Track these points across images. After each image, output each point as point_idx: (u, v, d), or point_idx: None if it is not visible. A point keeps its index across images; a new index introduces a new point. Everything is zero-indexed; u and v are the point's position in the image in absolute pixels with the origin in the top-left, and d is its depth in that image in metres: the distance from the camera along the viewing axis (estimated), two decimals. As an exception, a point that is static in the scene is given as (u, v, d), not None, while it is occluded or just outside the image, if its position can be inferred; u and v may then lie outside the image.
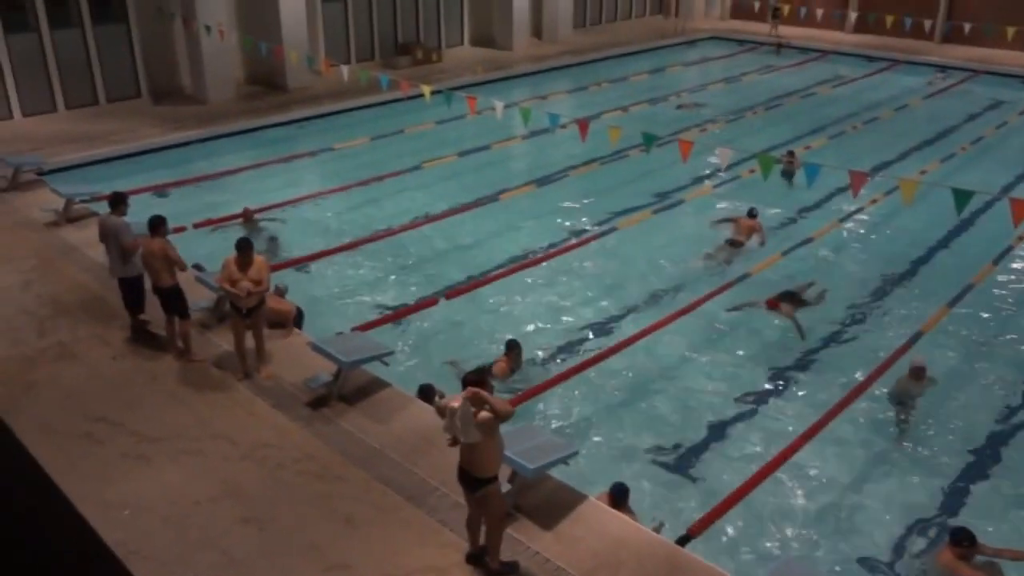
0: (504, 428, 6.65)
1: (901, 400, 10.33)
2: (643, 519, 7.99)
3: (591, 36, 32.69)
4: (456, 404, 6.39)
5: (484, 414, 6.35)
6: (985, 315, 12.76)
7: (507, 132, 20.37)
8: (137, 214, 10.79)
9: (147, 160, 18.08)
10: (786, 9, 34.08)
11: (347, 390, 9.35)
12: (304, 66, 21.47)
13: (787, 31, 34.23)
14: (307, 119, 21.21)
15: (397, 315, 12.13)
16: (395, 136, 20.25)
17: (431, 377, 10.04)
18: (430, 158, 18.66)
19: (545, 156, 19.63)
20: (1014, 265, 14.50)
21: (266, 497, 7.88)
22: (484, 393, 6.42)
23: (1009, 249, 14.65)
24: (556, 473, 8.12)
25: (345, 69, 17.67)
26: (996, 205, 14.88)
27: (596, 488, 8.35)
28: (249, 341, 9.60)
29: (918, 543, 8.35)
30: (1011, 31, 28.62)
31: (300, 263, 13.58)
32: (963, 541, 7.44)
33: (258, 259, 9.35)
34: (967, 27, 30.56)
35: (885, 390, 10.51)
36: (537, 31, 31.32)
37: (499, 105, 14.70)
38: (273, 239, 14.35)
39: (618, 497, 8.05)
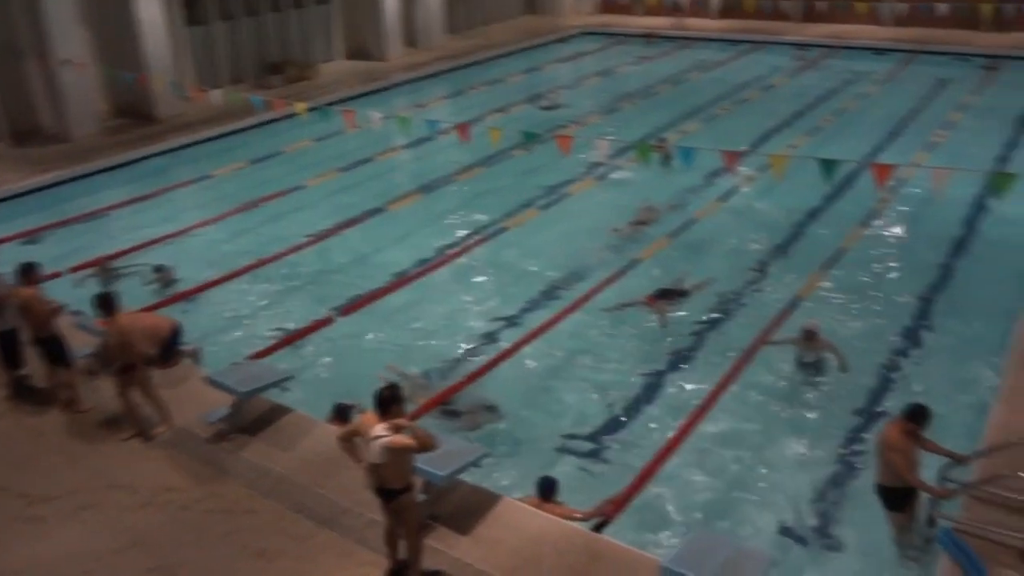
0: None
1: (802, 363, 10.80)
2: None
3: (465, 40, 32.83)
4: (380, 437, 6.41)
5: (403, 441, 6.38)
6: (857, 274, 13.46)
7: (388, 143, 20.28)
8: (8, 264, 10.28)
9: (13, 206, 17.18)
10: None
11: (247, 421, 9.14)
12: (173, 93, 20.85)
13: (654, 21, 35.21)
14: (182, 147, 20.58)
15: (293, 338, 11.92)
16: (274, 157, 19.89)
17: (335, 396, 9.91)
18: (313, 176, 18.40)
19: (429, 163, 19.62)
20: (879, 223, 15.37)
21: (173, 542, 7.64)
22: (406, 424, 6.47)
23: (875, 211, 15.49)
24: (470, 477, 8.16)
25: (216, 93, 17.25)
26: (860, 171, 15.69)
27: (515, 486, 8.46)
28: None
29: (823, 501, 8.72)
30: (863, 6, 30.16)
31: (188, 296, 13.19)
32: (915, 417, 7.64)
33: (126, 318, 8.94)
34: (823, 5, 32.09)
35: (780, 355, 10.96)
36: (411, 39, 31.22)
37: (376, 116, 14.65)
38: (160, 271, 13.76)
39: (546, 491, 8.15)
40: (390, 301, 13.03)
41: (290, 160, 19.75)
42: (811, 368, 10.80)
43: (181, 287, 13.45)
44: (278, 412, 9.40)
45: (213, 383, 9.15)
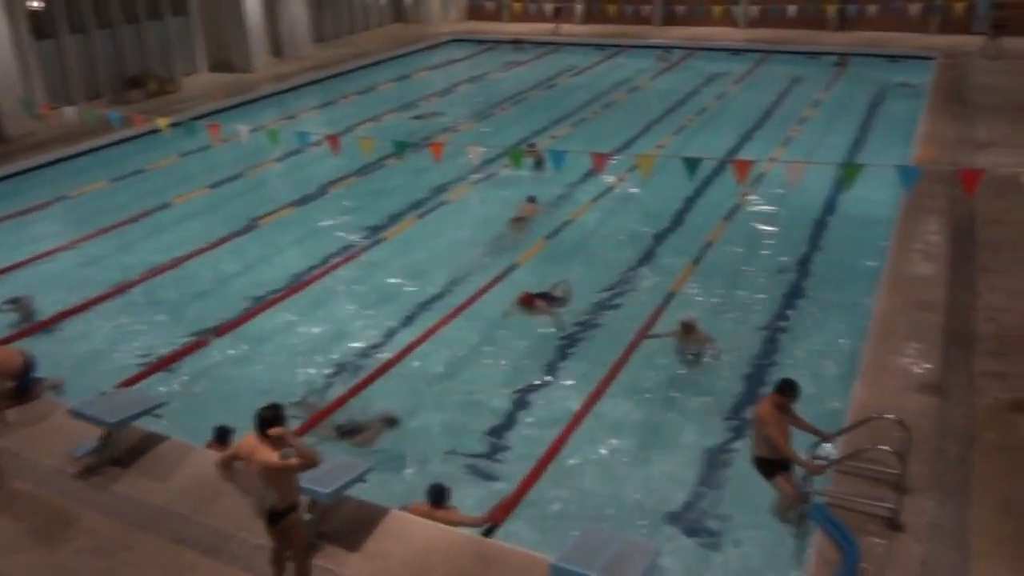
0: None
1: (682, 355, 11.16)
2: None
3: (333, 49, 32.40)
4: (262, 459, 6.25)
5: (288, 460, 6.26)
6: (726, 265, 14.02)
7: (259, 157, 19.77)
8: None
9: None
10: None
11: (119, 452, 8.73)
12: (22, 112, 19.71)
13: (520, 28, 35.69)
14: (35, 168, 19.48)
15: (166, 362, 11.45)
16: (137, 175, 19.07)
17: (214, 419, 9.56)
18: (180, 193, 17.74)
19: (301, 176, 19.25)
20: (743, 216, 16.04)
21: (44, 587, 7.22)
22: (290, 438, 6.34)
23: (737, 206, 16.17)
24: (355, 492, 8.04)
25: (70, 110, 16.42)
26: (723, 168, 16.34)
27: (405, 496, 8.39)
28: None
29: (707, 487, 9.01)
30: (718, 10, 31.43)
31: (49, 325, 12.48)
32: (785, 391, 8.02)
33: None
34: (681, 9, 33.28)
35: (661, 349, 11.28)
36: (276, 49, 30.60)
37: (244, 130, 14.27)
38: (16, 302, 12.95)
39: (436, 498, 8.11)
40: (267, 318, 12.70)
41: (154, 178, 18.98)
42: (691, 358, 11.18)
43: (42, 316, 12.71)
44: (152, 441, 9.01)
45: (78, 415, 8.67)
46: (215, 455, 7.74)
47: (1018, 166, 16.15)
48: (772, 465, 8.19)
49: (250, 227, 16.04)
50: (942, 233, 13.85)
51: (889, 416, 8.16)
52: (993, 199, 14.88)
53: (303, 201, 17.53)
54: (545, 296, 12.57)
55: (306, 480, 7.11)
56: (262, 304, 13.04)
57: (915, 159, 17.45)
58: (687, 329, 11.13)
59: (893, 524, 7.53)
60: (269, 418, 6.42)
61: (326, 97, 26.46)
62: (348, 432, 9.86)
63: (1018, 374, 9.82)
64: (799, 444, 8.20)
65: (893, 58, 28.75)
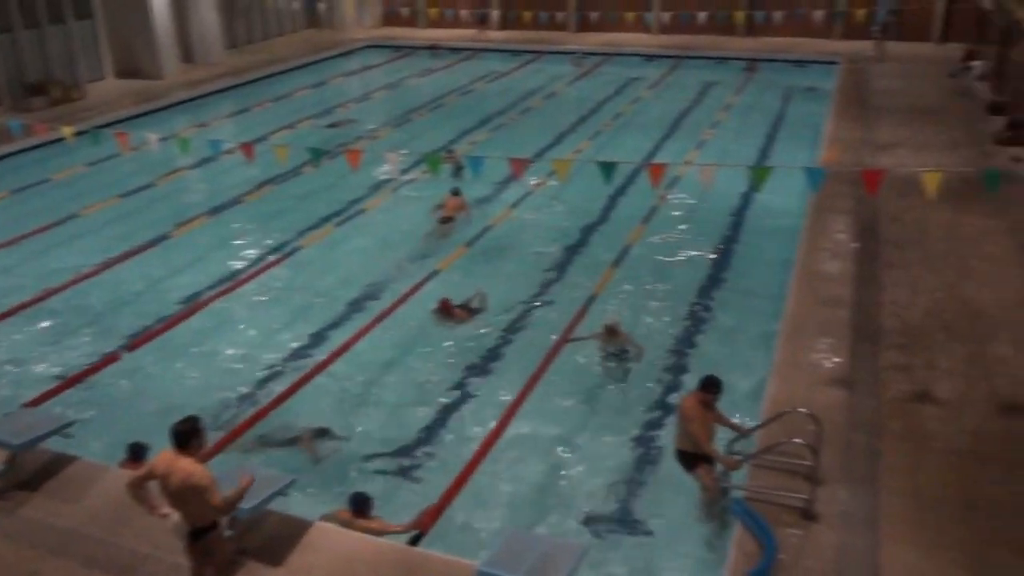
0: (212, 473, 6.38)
1: (606, 357, 11.30)
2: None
3: (247, 56, 31.81)
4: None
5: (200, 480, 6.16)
6: (645, 267, 14.27)
7: (170, 165, 19.28)
8: None
9: None
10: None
11: (26, 475, 8.38)
12: (-87, 121, 18.77)
13: (437, 34, 35.72)
14: (-73, 180, 18.61)
15: (76, 379, 11.05)
16: (41, 186, 18.37)
17: (128, 435, 9.27)
18: (88, 204, 17.16)
19: (216, 184, 18.84)
20: (660, 219, 16.32)
21: (-55, 618, 6.89)
22: (206, 486, 6.20)
23: (655, 209, 16.48)
24: (277, 506, 7.91)
25: (-35, 120, 15.75)
26: (639, 171, 16.64)
27: (327, 506, 8.30)
28: None
29: (632, 485, 9.13)
30: (630, 16, 31.99)
31: (-53, 344, 11.94)
32: (709, 388, 8.19)
33: None
34: (595, 15, 33.75)
35: (581, 352, 11.40)
36: (187, 55, 29.87)
37: (153, 138, 13.89)
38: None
39: (358, 508, 8.02)
40: (183, 331, 12.38)
41: (60, 188, 18.33)
42: (615, 360, 11.32)
43: (-62, 335, 12.15)
44: (61, 462, 8.67)
45: (-20, 438, 8.31)
46: (128, 474, 7.51)
47: (918, 166, 16.87)
48: (693, 458, 8.37)
49: (163, 238, 15.62)
50: (848, 232, 14.37)
51: (801, 410, 8.42)
52: (895, 198, 15.52)
53: (217, 210, 17.15)
54: (462, 307, 12.60)
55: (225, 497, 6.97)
56: (177, 316, 12.71)
57: (821, 160, 18.08)
58: (610, 332, 11.31)
59: (808, 514, 7.78)
60: (186, 432, 6.28)
61: (240, 104, 25.97)
62: (278, 443, 9.70)
63: (920, 366, 10.26)
64: (719, 439, 8.41)
65: (799, 63, 29.71)
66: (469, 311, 12.57)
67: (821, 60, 29.35)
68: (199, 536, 6.43)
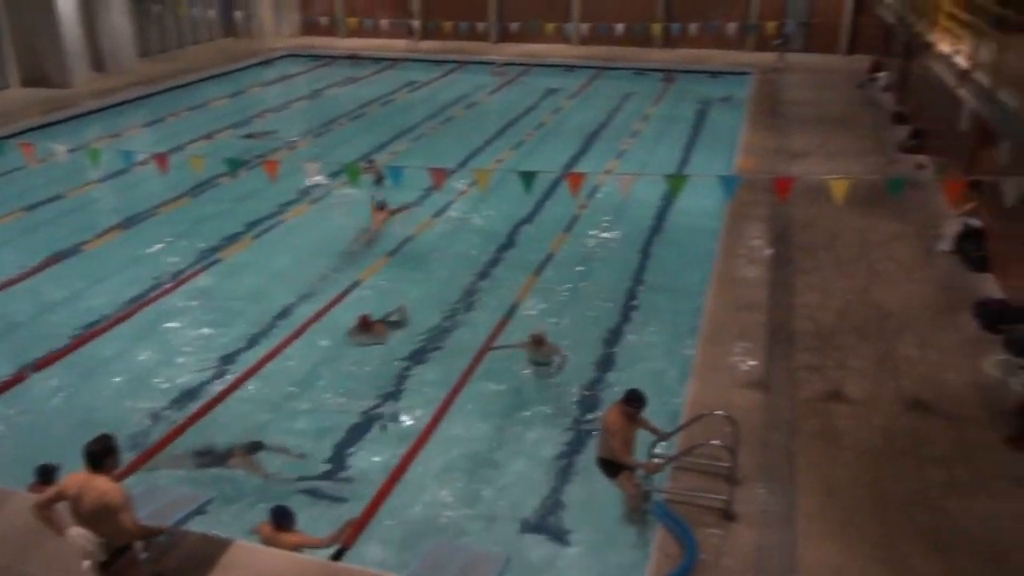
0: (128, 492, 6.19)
1: (533, 365, 11.36)
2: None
3: (161, 64, 31.04)
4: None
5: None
6: (565, 276, 14.37)
7: (80, 177, 18.66)
8: None
9: None
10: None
11: (-76, 502, 8.00)
12: None
13: (357, 43, 35.53)
14: None
15: (-21, 401, 10.59)
16: (-60, 199, 17.60)
17: (36, 457, 8.90)
18: (-10, 218, 16.51)
19: (129, 197, 18.29)
20: (582, 227, 16.49)
21: None
22: (120, 506, 6.04)
23: (576, 217, 16.66)
24: (197, 525, 7.72)
25: None
26: (560, 181, 16.78)
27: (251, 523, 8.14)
28: None
29: (556, 492, 9.16)
30: (551, 27, 32.31)
31: None
32: (632, 402, 8.24)
33: None
34: (515, 26, 34.04)
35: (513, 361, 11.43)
36: (98, 64, 28.97)
37: (61, 149, 13.41)
38: None
39: (279, 522, 7.86)
40: (94, 349, 11.97)
41: (-41, 202, 17.57)
42: (542, 368, 11.37)
43: None
44: (-36, 487, 8.30)
45: None
46: (36, 498, 7.21)
47: (828, 173, 17.44)
48: (615, 466, 8.47)
49: (73, 252, 15.09)
50: (763, 238, 14.76)
51: (719, 412, 8.60)
52: (808, 205, 16.01)
53: (130, 223, 16.66)
54: (382, 321, 12.47)
55: (141, 515, 6.77)
56: (88, 333, 12.29)
57: (736, 168, 18.54)
58: (536, 341, 11.37)
59: (727, 514, 7.95)
60: (100, 451, 6.09)
61: (154, 114, 25.29)
62: (210, 460, 9.47)
63: (832, 366, 10.60)
64: (642, 442, 8.52)
65: (715, 74, 30.44)
66: (389, 325, 12.46)
67: (735, 71, 30.14)
68: (113, 559, 6.22)
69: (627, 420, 8.32)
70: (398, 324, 12.55)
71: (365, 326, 12.18)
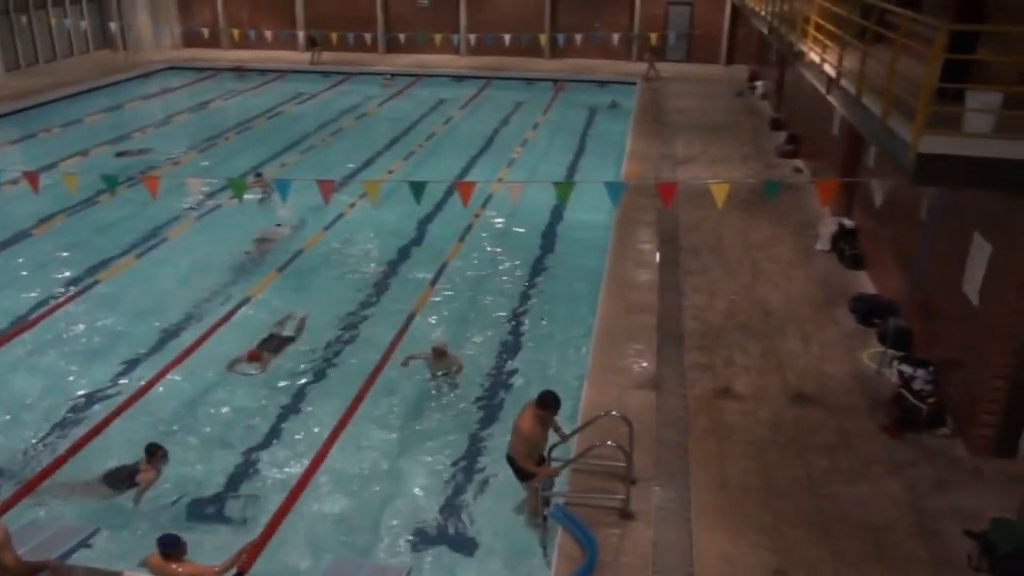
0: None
1: (434, 376, 11.28)
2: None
3: (30, 78, 29.56)
4: None
5: None
6: (461, 284, 14.40)
7: (-57, 198, 17.61)
8: None
9: None
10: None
11: None
12: None
13: (241, 55, 34.75)
14: None
15: None
16: None
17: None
18: None
19: (0, 217, 17.37)
20: (476, 236, 16.55)
21: None
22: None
23: (470, 226, 16.70)
24: (82, 558, 7.36)
25: None
26: (452, 190, 16.78)
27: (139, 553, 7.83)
28: None
29: (458, 500, 9.14)
30: (439, 37, 32.37)
31: None
32: (545, 404, 8.12)
33: None
34: (403, 37, 33.93)
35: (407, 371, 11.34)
36: (-41, 79, 27.44)
37: (-82, 169, 12.63)
38: None
39: (168, 551, 7.55)
40: (-37, 379, 11.30)
41: None
42: (441, 379, 11.32)
43: None
44: None
45: None
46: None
47: (710, 178, 18.04)
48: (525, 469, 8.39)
49: (-65, 278, 14.22)
50: (652, 242, 15.14)
51: (614, 413, 8.76)
52: (693, 209, 16.52)
53: (2, 245, 15.78)
54: (272, 339, 12.14)
55: (22, 552, 6.43)
56: (-45, 363, 11.58)
57: (623, 175, 18.97)
58: (438, 353, 11.31)
59: (625, 513, 8.11)
60: None
61: (24, 130, 24.05)
62: (119, 479, 9.06)
63: (720, 364, 10.95)
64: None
65: (602, 83, 31.07)
66: (280, 341, 12.15)
67: (621, 80, 30.83)
68: None
69: (539, 423, 8.22)
70: (291, 338, 12.29)
71: (255, 358, 11.74)
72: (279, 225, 16.28)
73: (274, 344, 12.08)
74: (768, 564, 7.55)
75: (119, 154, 21.36)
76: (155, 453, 9.26)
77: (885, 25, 9.98)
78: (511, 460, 8.47)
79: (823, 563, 7.56)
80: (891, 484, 8.62)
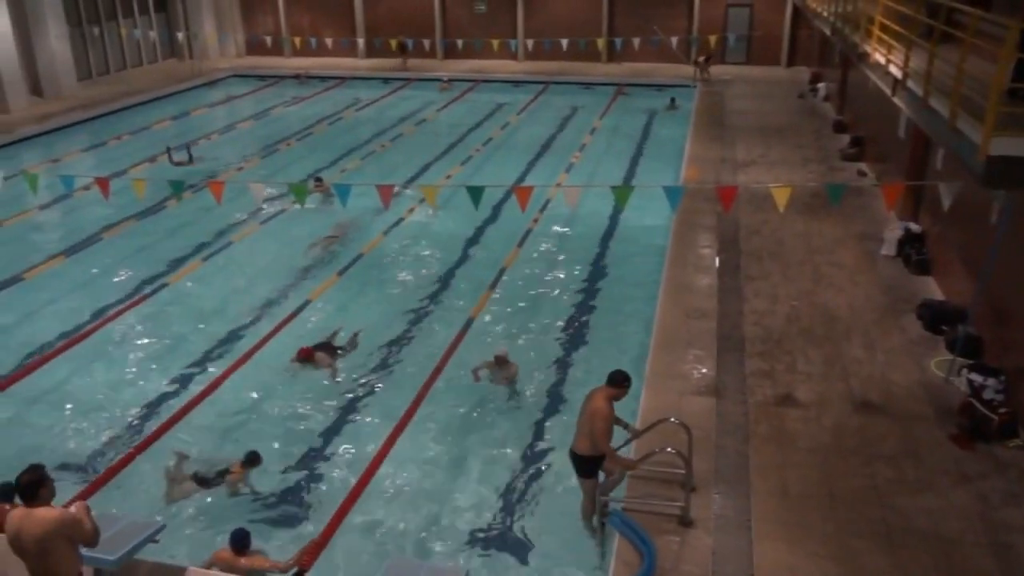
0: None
1: (494, 383, 11.27)
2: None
3: (101, 87, 30.54)
4: None
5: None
6: (519, 289, 14.41)
7: (20, 204, 18.23)
8: None
9: None
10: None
11: None
12: None
13: (303, 62, 35.36)
14: None
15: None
16: None
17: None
18: (-75, 248, 16.05)
19: (72, 222, 17.90)
20: (534, 242, 16.52)
21: None
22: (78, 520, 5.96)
23: (528, 231, 16.72)
24: (148, 555, 7.56)
25: None
26: (510, 195, 16.85)
27: (206, 551, 8.01)
28: None
29: (516, 507, 9.14)
30: (496, 43, 32.52)
31: None
32: (621, 382, 8.00)
33: None
34: (460, 43, 34.17)
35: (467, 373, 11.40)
36: (36, 88, 28.43)
37: (-2, 176, 13.11)
38: None
39: (239, 546, 7.75)
40: (37, 379, 11.67)
41: None
42: (503, 384, 11.31)
43: None
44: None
45: None
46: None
47: (771, 182, 17.80)
48: (590, 463, 8.17)
49: (14, 280, 14.73)
50: (712, 246, 14.97)
51: (673, 420, 8.69)
52: (753, 213, 16.31)
53: (74, 249, 16.31)
54: (325, 346, 12.14)
55: (89, 549, 6.62)
56: (30, 364, 11.98)
57: (683, 179, 18.81)
58: (500, 361, 11.33)
59: (684, 521, 8.03)
60: (31, 483, 5.93)
61: (96, 138, 24.85)
62: (210, 479, 9.33)
63: (781, 371, 10.78)
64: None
65: (660, 87, 30.84)
66: (333, 350, 12.13)
67: (679, 84, 30.56)
68: None
69: (610, 405, 7.98)
70: (342, 348, 12.30)
71: (307, 356, 11.80)
72: (344, 223, 16.65)
73: (327, 350, 12.11)
74: (829, 574, 7.40)
75: (176, 163, 21.59)
76: (253, 461, 9.42)
77: (953, 24, 9.74)
78: (575, 456, 8.23)
79: (886, 574, 7.39)
80: (960, 496, 8.39)
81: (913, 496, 8.39)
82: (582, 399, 8.42)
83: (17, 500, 6.37)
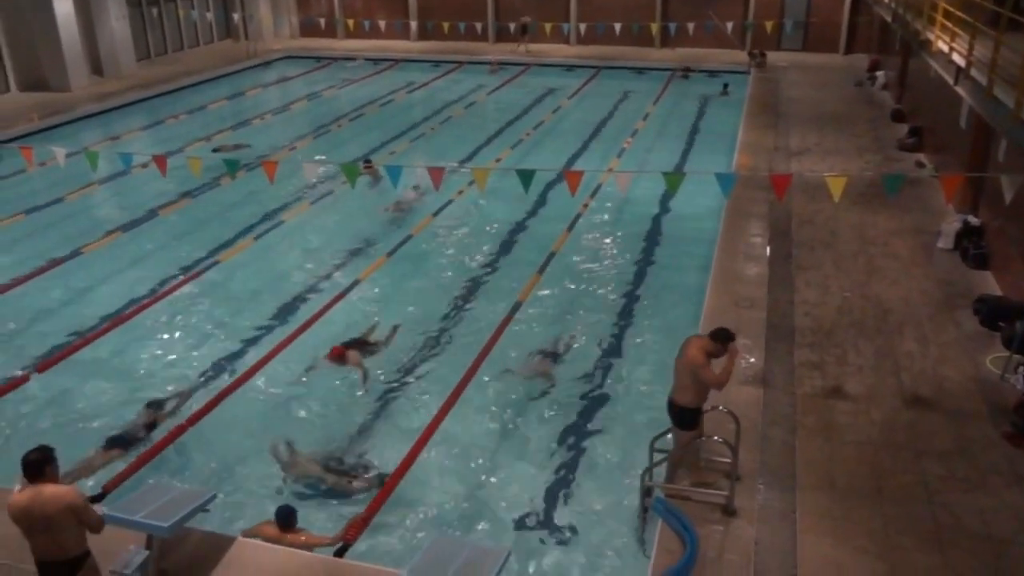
0: (131, 489, 6.23)
1: (541, 375, 11.27)
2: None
3: (159, 67, 31.10)
4: None
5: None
6: (569, 274, 14.40)
7: (80, 180, 18.66)
8: None
9: None
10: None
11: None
12: None
13: (355, 44, 35.58)
14: None
15: (-19, 402, 10.62)
16: (-61, 202, 17.63)
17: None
18: (-8, 221, 16.54)
19: (129, 199, 18.31)
20: (583, 226, 16.48)
21: None
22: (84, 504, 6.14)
23: (578, 216, 16.67)
24: (199, 523, 7.75)
25: None
26: (560, 179, 16.81)
27: (252, 523, 8.18)
28: None
29: (559, 491, 9.17)
30: (549, 26, 32.38)
31: None
32: (722, 338, 7.87)
33: None
34: (512, 26, 34.09)
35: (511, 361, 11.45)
36: (97, 67, 29.07)
37: (60, 152, 13.44)
38: None
39: (284, 521, 7.91)
40: (95, 350, 11.99)
41: (-39, 205, 17.60)
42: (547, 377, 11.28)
43: None
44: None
45: None
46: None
47: (826, 171, 17.50)
48: (689, 414, 8.07)
49: (73, 255, 15.12)
50: (763, 235, 14.78)
51: (721, 408, 8.62)
52: (807, 202, 16.06)
53: (131, 225, 16.68)
54: (360, 343, 11.95)
55: (142, 516, 6.82)
56: (89, 335, 12.31)
57: (735, 166, 18.58)
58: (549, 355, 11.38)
59: (728, 510, 7.98)
60: (37, 461, 6.08)
61: (153, 117, 25.36)
62: (339, 473, 9.35)
63: (831, 363, 10.63)
64: (643, 437, 8.52)
65: (713, 73, 30.45)
66: (367, 346, 11.91)
67: (733, 70, 30.14)
68: (74, 570, 6.24)
69: (706, 357, 7.87)
70: (379, 344, 12.12)
71: (338, 356, 11.47)
72: (416, 187, 17.06)
73: (359, 346, 11.89)
74: (875, 570, 7.31)
75: (215, 150, 21.28)
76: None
77: (1021, 12, 9.45)
78: (675, 406, 8.11)
79: (934, 573, 7.28)
80: (1013, 496, 8.21)
81: (964, 495, 8.23)
82: (627, 384, 8.42)
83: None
